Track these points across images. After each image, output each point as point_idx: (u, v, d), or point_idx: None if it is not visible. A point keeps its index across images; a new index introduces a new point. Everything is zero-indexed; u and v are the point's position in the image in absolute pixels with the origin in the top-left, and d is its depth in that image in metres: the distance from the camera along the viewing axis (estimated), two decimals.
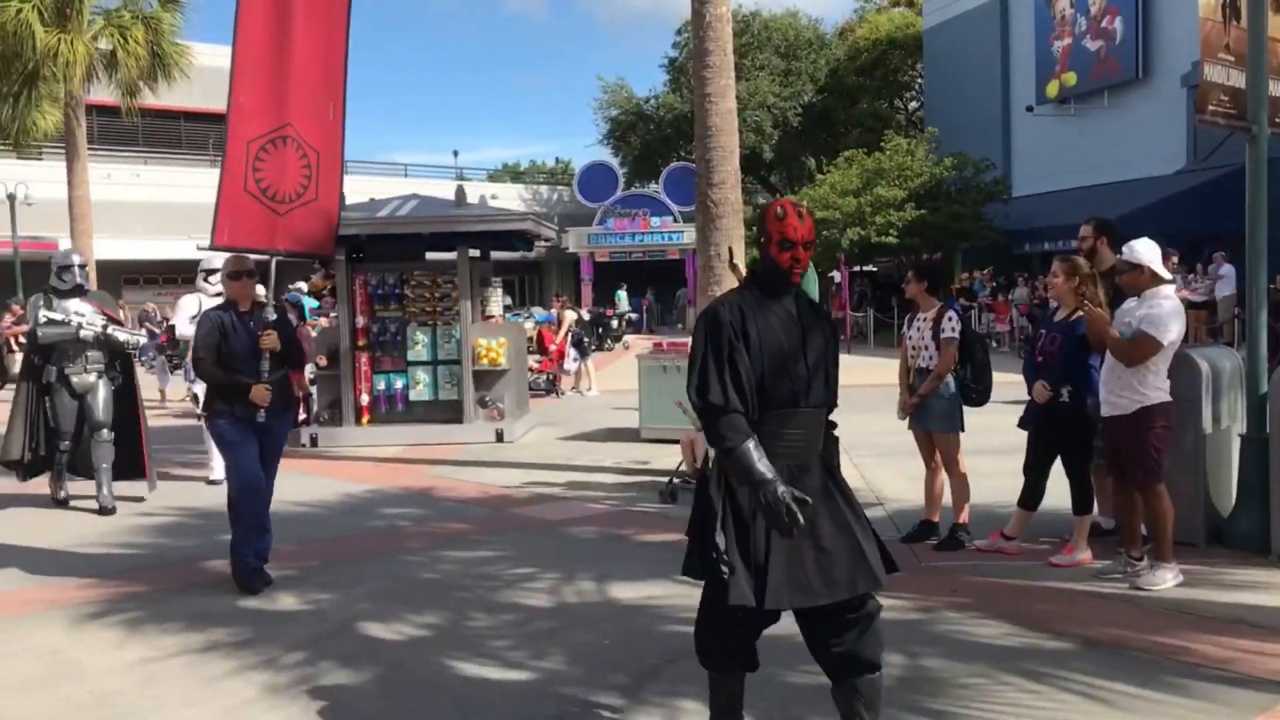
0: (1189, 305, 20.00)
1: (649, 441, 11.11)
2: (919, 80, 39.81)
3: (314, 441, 11.85)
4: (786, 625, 5.02)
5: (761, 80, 38.03)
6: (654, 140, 41.13)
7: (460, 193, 12.73)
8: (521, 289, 42.34)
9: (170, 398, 17.38)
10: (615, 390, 16.42)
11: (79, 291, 8.60)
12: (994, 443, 7.84)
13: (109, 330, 8.55)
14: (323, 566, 6.68)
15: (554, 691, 4.43)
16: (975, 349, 6.73)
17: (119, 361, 8.76)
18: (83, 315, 8.46)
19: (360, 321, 11.99)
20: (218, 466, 9.24)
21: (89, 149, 21.78)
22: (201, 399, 8.11)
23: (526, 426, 12.66)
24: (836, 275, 29.89)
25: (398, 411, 12.09)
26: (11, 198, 27.08)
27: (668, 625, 5.27)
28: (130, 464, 8.75)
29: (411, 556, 6.85)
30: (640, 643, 5.02)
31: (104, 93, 21.53)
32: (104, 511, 8.37)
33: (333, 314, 14.27)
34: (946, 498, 6.77)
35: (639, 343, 20.78)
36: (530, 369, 15.66)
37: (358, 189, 18.54)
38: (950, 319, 6.65)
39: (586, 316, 25.47)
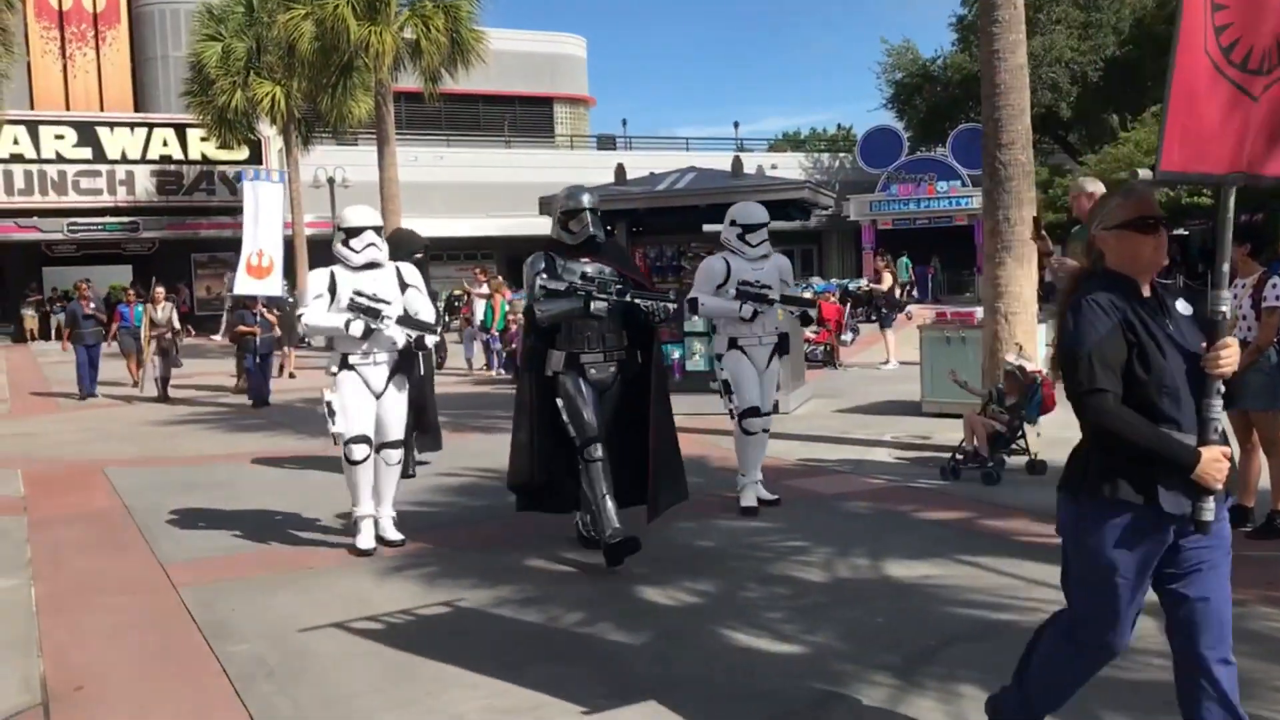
0: None
1: (931, 416, 10.77)
2: None
3: None
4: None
5: (1058, 34, 35.76)
6: (941, 102, 39.59)
7: (737, 163, 12.74)
8: (802, 259, 42.00)
9: (475, 368, 18.60)
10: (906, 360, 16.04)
11: (591, 247, 6.23)
12: None
13: (632, 298, 5.96)
14: None
15: (825, 667, 4.37)
16: None
17: (638, 345, 6.22)
18: (591, 281, 5.99)
19: None
20: None
21: (396, 134, 23.35)
22: None
23: (802, 398, 12.56)
24: None
25: (675, 381, 12.26)
26: (331, 181, 29.48)
27: (944, 606, 5.09)
28: (628, 486, 6.11)
29: (686, 524, 6.95)
30: (915, 623, 4.87)
31: (409, 80, 22.99)
32: (615, 551, 5.78)
33: None
34: (1264, 482, 6.17)
35: (923, 313, 20.19)
36: (806, 340, 15.52)
37: (639, 164, 18.95)
38: (1275, 285, 6.03)
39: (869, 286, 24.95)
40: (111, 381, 17.40)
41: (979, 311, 10.22)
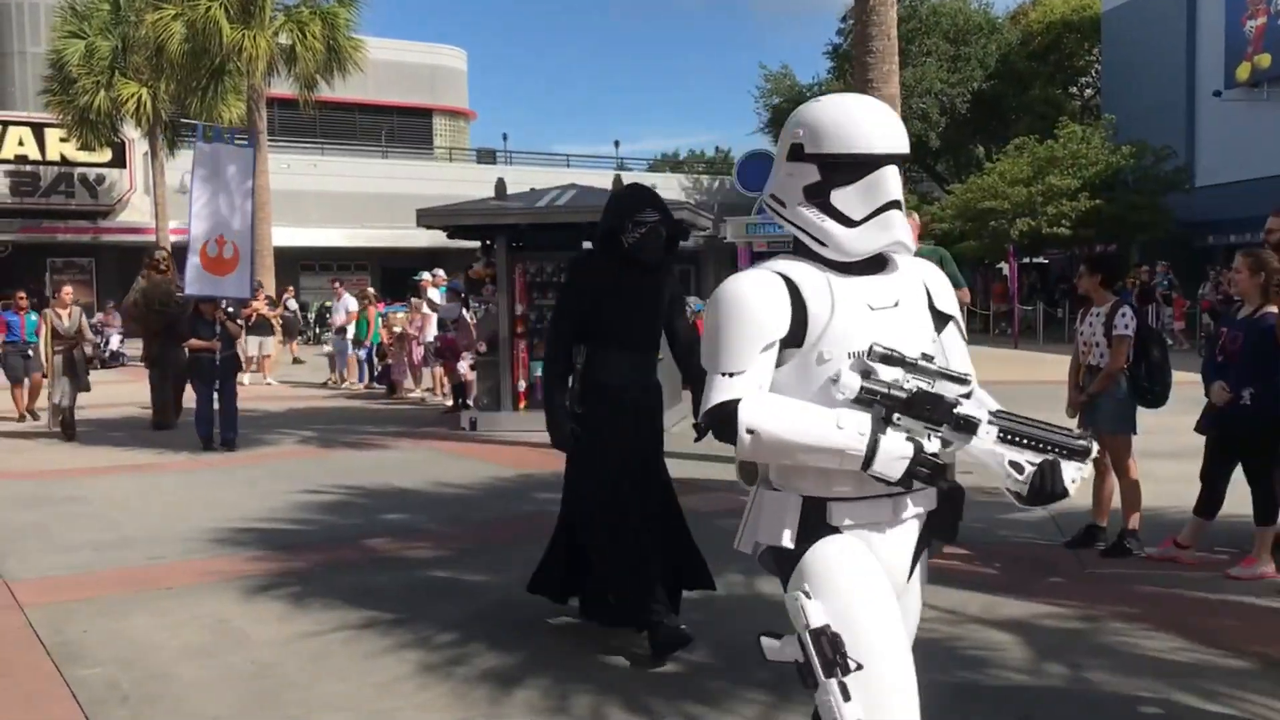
0: None
1: None
2: (1095, 65, 38.13)
3: (473, 425, 12.14)
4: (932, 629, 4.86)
5: (929, 66, 37.00)
6: None
7: (617, 182, 12.80)
8: (680, 280, 42.38)
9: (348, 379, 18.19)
10: None
11: None
12: (1171, 445, 7.43)
13: None
14: (477, 548, 6.81)
15: (700, 685, 4.39)
16: (1151, 347, 6.37)
17: None
18: None
19: (519, 309, 12.19)
20: None
21: (269, 140, 22.83)
22: None
23: (678, 415, 12.62)
24: (1004, 267, 28.92)
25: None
26: None
27: None
28: None
29: None
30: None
31: (283, 86, 22.54)
32: None
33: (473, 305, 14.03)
34: (1116, 502, 6.44)
35: None
36: None
37: (519, 179, 18.91)
38: (1124, 315, 6.32)
39: None
40: None
41: None
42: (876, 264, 2.48)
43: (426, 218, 12.86)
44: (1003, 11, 42.04)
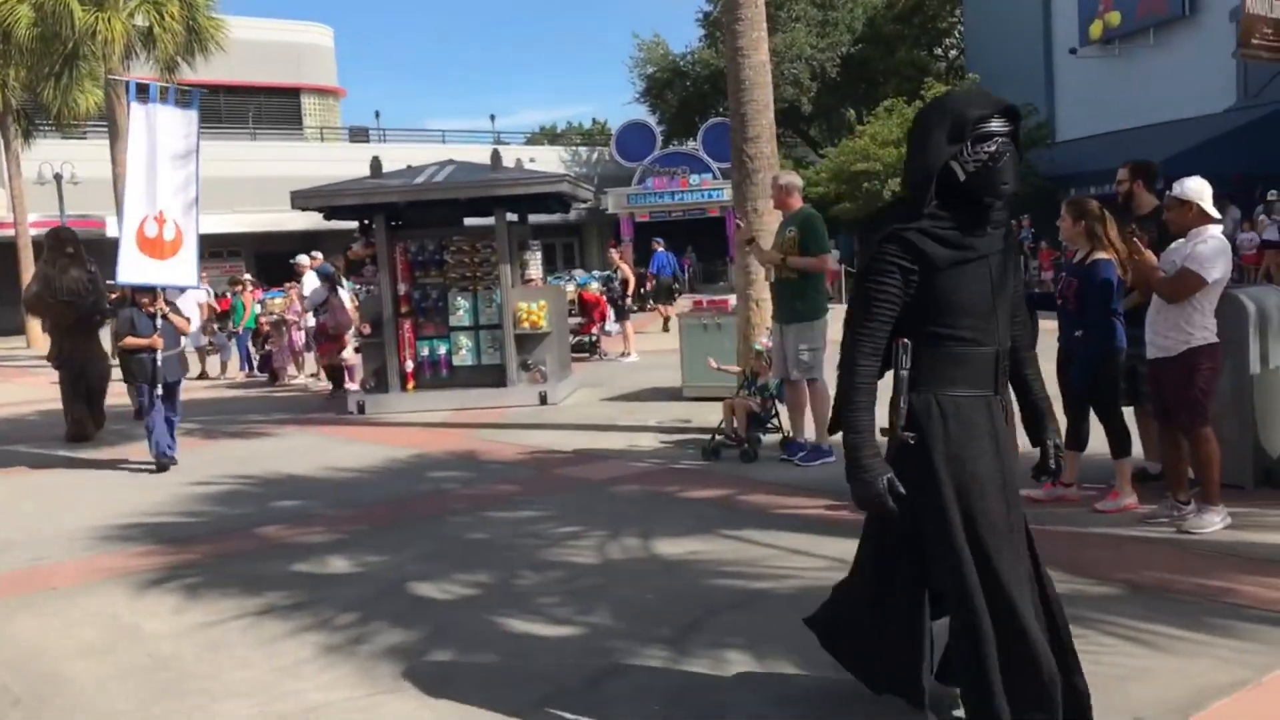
0: (1266, 245, 19.71)
1: (691, 400, 11.13)
2: (958, 27, 39.12)
3: (361, 409, 12.01)
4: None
5: (798, 32, 37.49)
6: (691, 97, 40.76)
7: (496, 157, 12.75)
8: (562, 252, 42.33)
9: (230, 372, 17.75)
10: (657, 350, 16.44)
11: None
12: None
13: None
14: (372, 530, 6.79)
15: (600, 646, 4.49)
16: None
17: None
18: None
19: (402, 289, 12.08)
20: None
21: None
22: None
23: (569, 389, 12.72)
24: None
25: (442, 377, 12.21)
26: (58, 177, 27.42)
27: (710, 579, 5.32)
28: None
29: (458, 518, 6.95)
30: (683, 597, 5.07)
31: (143, 70, 21.69)
32: None
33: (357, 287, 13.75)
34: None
35: (681, 302, 20.77)
36: (573, 331, 15.70)
37: (395, 156, 18.64)
38: None
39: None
40: None
41: (733, 299, 10.63)
42: None
43: (301, 199, 12.61)
44: None
